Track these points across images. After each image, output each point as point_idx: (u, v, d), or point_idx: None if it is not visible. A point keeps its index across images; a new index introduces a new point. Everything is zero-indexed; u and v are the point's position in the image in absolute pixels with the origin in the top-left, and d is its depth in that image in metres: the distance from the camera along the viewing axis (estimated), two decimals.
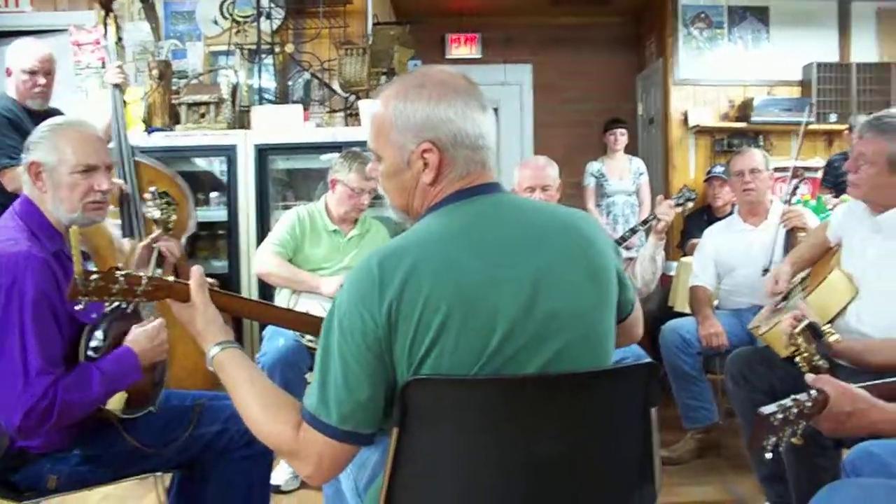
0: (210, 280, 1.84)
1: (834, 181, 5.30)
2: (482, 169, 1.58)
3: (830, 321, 2.71)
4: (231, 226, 4.58)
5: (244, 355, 1.68)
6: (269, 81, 5.16)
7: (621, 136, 6.31)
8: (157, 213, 2.86)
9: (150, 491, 3.25)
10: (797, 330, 2.47)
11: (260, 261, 3.81)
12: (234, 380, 1.62)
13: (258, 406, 1.55)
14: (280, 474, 3.54)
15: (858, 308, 2.70)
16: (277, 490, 3.53)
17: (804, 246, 3.18)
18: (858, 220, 2.82)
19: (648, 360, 1.57)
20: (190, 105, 4.63)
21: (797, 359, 2.48)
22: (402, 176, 1.59)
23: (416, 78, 1.59)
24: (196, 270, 1.78)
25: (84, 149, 2.24)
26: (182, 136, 4.56)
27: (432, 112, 1.53)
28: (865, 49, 6.98)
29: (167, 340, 2.29)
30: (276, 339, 3.52)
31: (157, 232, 2.85)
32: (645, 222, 3.90)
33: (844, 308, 2.74)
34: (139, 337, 2.22)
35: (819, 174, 5.88)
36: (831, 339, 2.48)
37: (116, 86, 3.95)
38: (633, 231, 4.10)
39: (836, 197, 4.72)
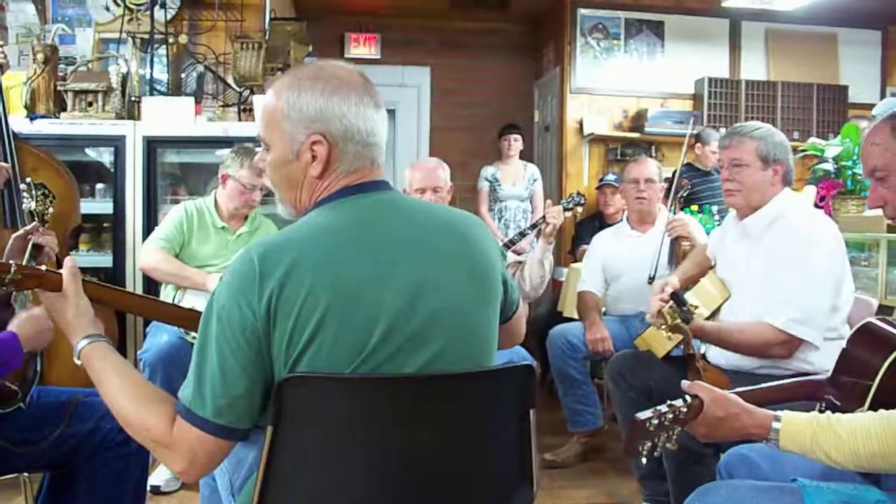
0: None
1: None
2: (371, 166, 1.57)
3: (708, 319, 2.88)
4: (117, 219, 4.42)
5: (114, 350, 1.62)
6: (161, 73, 5.02)
7: (515, 142, 6.36)
8: (32, 205, 2.74)
9: (19, 494, 3.12)
10: (664, 297, 2.75)
11: (145, 256, 3.71)
12: (101, 373, 1.56)
13: (128, 399, 1.50)
14: (160, 475, 3.46)
15: (732, 305, 2.86)
16: (157, 491, 3.45)
17: (689, 263, 3.31)
18: (727, 231, 3.02)
19: (528, 362, 1.57)
20: (77, 92, 4.46)
21: (662, 329, 2.76)
22: (289, 167, 1.57)
23: (312, 70, 1.58)
24: (69, 261, 1.72)
25: None
26: (68, 125, 4.39)
27: (325, 105, 1.51)
28: (754, 66, 7.24)
29: (51, 329, 2.16)
30: (160, 336, 3.44)
31: (31, 224, 2.74)
32: (534, 226, 3.95)
33: (718, 310, 2.90)
34: (24, 323, 2.08)
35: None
36: (692, 306, 2.73)
37: None
38: (523, 234, 4.14)
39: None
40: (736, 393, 1.80)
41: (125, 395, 1.51)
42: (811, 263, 2.62)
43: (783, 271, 2.66)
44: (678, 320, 2.70)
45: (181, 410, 1.43)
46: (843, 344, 1.97)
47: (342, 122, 1.52)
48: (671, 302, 2.75)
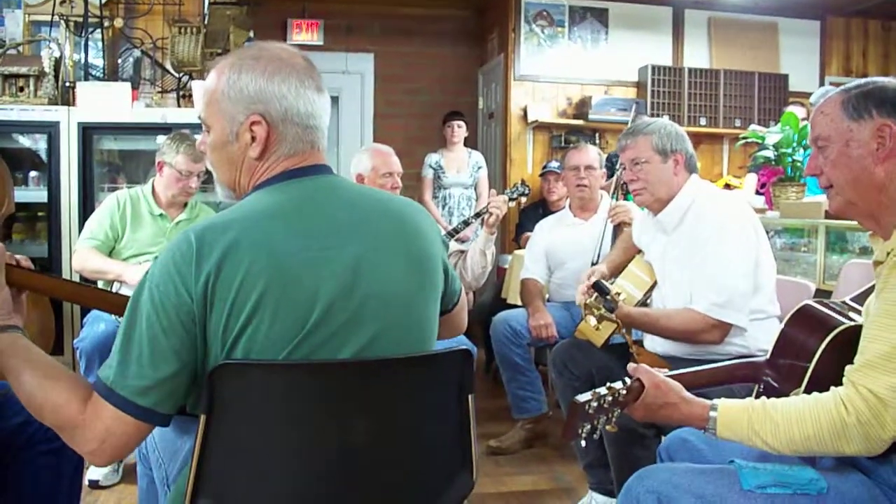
0: (20, 258, 1.72)
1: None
2: (311, 149, 1.56)
3: (639, 304, 2.95)
4: (52, 208, 4.33)
5: (28, 341, 1.54)
6: (96, 58, 4.90)
7: (459, 129, 6.34)
8: None
9: None
10: (587, 288, 2.81)
11: (75, 258, 3.67)
12: (13, 360, 1.48)
13: (36, 383, 1.43)
14: (99, 469, 3.39)
15: (662, 294, 2.89)
16: (96, 485, 3.39)
17: (617, 251, 3.34)
18: (646, 226, 3.05)
19: (464, 346, 1.56)
20: (7, 77, 4.35)
21: (590, 319, 2.80)
22: (229, 148, 1.55)
23: (253, 51, 1.56)
24: None
25: None
26: None
27: (265, 86, 1.50)
28: (697, 55, 7.31)
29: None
30: (97, 324, 3.38)
31: None
32: (478, 215, 3.95)
33: (649, 292, 2.95)
34: None
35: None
36: (616, 294, 2.77)
37: None
38: (466, 223, 4.13)
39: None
40: (676, 375, 1.81)
41: (32, 380, 1.44)
42: (725, 246, 2.65)
43: (700, 257, 2.69)
44: (602, 310, 2.74)
45: (100, 388, 1.38)
46: (774, 323, 1.99)
47: (282, 103, 1.50)
48: (595, 294, 2.78)
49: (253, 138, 1.52)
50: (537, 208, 5.81)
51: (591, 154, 4.16)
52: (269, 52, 1.54)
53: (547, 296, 4.20)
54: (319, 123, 1.56)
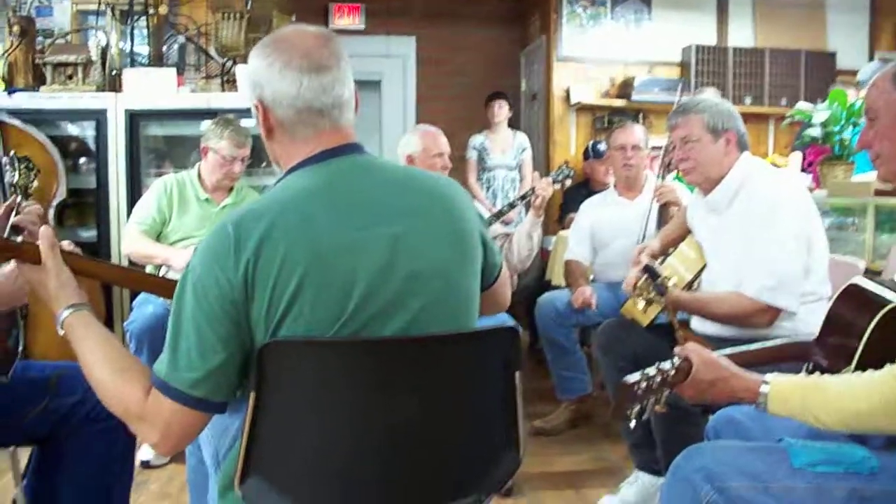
0: (65, 243, 1.76)
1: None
2: (332, 130, 1.55)
3: (689, 285, 2.92)
4: (100, 193, 4.40)
5: (96, 320, 1.60)
6: (141, 45, 4.94)
7: (500, 108, 6.31)
8: (15, 178, 2.71)
9: (8, 470, 3.11)
10: (639, 271, 2.81)
11: (125, 242, 3.76)
12: (82, 342, 1.55)
13: (105, 369, 1.49)
14: (149, 449, 3.45)
15: (710, 276, 2.86)
16: (147, 465, 3.45)
17: (671, 226, 3.29)
18: (697, 206, 3.00)
19: (511, 324, 1.56)
20: (56, 65, 4.40)
21: (639, 302, 2.82)
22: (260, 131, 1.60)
23: (274, 34, 1.59)
24: (45, 230, 1.69)
25: None
26: (48, 99, 4.34)
27: (258, 70, 1.53)
28: (742, 34, 7.17)
29: (26, 284, 2.09)
30: (146, 307, 3.43)
31: (14, 197, 2.70)
32: (523, 197, 3.93)
33: (699, 274, 2.91)
34: None
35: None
36: (666, 278, 2.75)
37: None
38: (511, 206, 4.12)
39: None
40: (723, 355, 1.80)
41: (103, 365, 1.50)
42: (778, 228, 2.59)
43: (752, 239, 2.64)
44: (652, 294, 2.74)
45: (156, 382, 1.42)
46: (825, 305, 1.97)
47: (269, 87, 1.52)
48: (645, 275, 2.76)
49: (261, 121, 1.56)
50: (581, 189, 5.77)
51: (637, 133, 4.13)
52: (280, 35, 1.56)
53: (591, 276, 4.19)
54: (322, 104, 1.52)
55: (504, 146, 6.31)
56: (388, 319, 1.43)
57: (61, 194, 4.10)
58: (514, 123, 6.62)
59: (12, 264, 1.94)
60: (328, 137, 1.54)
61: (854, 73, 6.33)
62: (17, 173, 2.72)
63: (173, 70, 4.59)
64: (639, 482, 3.04)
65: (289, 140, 1.55)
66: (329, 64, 1.52)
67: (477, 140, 6.34)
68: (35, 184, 2.78)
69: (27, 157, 2.80)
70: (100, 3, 4.81)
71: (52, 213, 4.04)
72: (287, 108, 1.52)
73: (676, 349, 1.77)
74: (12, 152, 2.79)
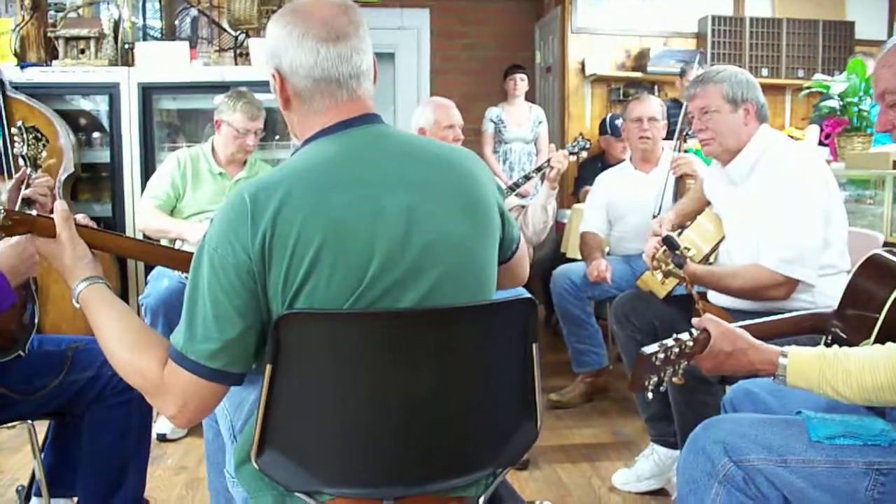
0: (79, 217, 1.76)
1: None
2: (349, 100, 1.53)
3: (706, 258, 2.91)
4: (114, 168, 4.40)
5: (111, 293, 1.60)
6: (154, 19, 4.93)
7: (521, 82, 6.27)
8: (24, 150, 2.69)
9: (26, 443, 3.14)
10: (658, 242, 2.77)
11: (139, 216, 3.79)
12: (98, 315, 1.55)
13: (122, 341, 1.49)
14: (166, 423, 3.47)
15: (728, 248, 2.85)
16: (164, 439, 3.47)
17: (687, 199, 3.26)
18: (715, 177, 2.97)
19: (528, 295, 1.55)
20: (68, 39, 4.39)
21: (657, 273, 2.79)
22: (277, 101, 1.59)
23: (292, 4, 1.56)
24: (60, 204, 1.69)
25: None
26: (60, 73, 4.33)
27: (276, 38, 1.52)
28: (759, 4, 7.09)
29: (36, 254, 1.96)
30: (161, 281, 3.45)
31: (23, 170, 2.69)
32: (539, 169, 3.92)
33: (716, 247, 2.90)
34: (4, 253, 1.93)
35: None
36: (685, 249, 2.70)
37: None
38: (527, 178, 4.11)
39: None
40: (741, 326, 1.78)
41: (119, 338, 1.50)
42: (797, 200, 2.57)
43: (770, 211, 2.61)
44: (671, 265, 2.70)
45: (173, 354, 1.42)
46: (844, 278, 1.95)
47: (286, 55, 1.50)
48: (664, 247, 2.73)
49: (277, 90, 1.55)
50: (596, 162, 5.75)
51: (653, 105, 4.10)
52: (300, 4, 1.54)
53: (607, 249, 4.17)
54: (339, 74, 1.50)
55: (520, 119, 6.27)
56: (404, 290, 1.42)
57: (67, 168, 4.09)
58: (529, 96, 6.58)
59: (15, 238, 1.93)
60: (346, 108, 1.53)
61: (872, 42, 6.26)
62: (25, 145, 2.70)
63: (186, 43, 4.58)
64: (654, 455, 3.03)
65: (306, 110, 1.54)
66: (347, 32, 1.50)
67: (493, 112, 6.30)
68: (44, 154, 2.76)
69: (35, 127, 2.77)
70: None
71: (58, 186, 4.05)
72: (304, 77, 1.50)
73: (694, 320, 1.75)
74: (20, 122, 2.76)
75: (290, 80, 1.52)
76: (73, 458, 2.32)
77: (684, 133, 3.87)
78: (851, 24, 7.01)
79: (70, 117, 4.40)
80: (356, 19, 1.53)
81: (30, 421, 2.35)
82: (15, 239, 1.92)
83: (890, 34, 6.95)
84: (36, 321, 2.35)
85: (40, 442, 2.42)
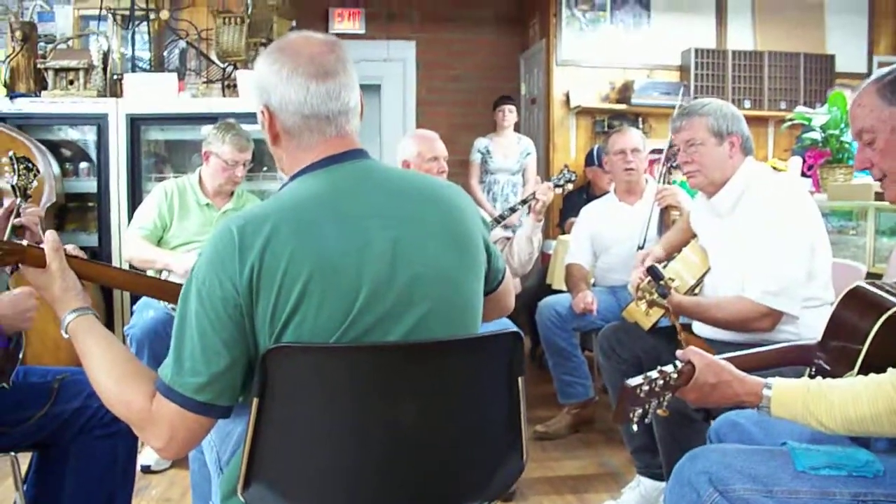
0: (69, 247, 1.77)
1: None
2: (337, 136, 1.55)
3: (691, 290, 2.91)
4: (101, 198, 4.40)
5: (100, 324, 1.61)
6: (143, 50, 4.95)
7: (510, 113, 6.30)
8: (14, 180, 2.69)
9: (9, 475, 3.11)
10: (642, 273, 2.82)
11: (126, 247, 3.80)
12: (87, 346, 1.55)
13: (110, 373, 1.49)
14: (150, 454, 3.45)
15: (714, 280, 2.86)
16: (148, 470, 3.44)
17: (674, 231, 3.29)
18: (701, 209, 3.00)
19: (514, 329, 1.56)
20: (57, 70, 4.41)
21: (641, 304, 2.82)
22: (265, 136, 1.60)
23: (280, 40, 1.60)
24: (51, 234, 1.70)
25: None
26: (49, 103, 4.35)
27: (265, 75, 1.54)
28: (741, 37, 7.16)
29: (33, 310, 2.08)
30: (146, 311, 3.44)
31: (13, 200, 2.69)
32: (524, 202, 3.93)
33: (702, 279, 2.91)
34: (4, 304, 2.02)
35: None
36: (669, 280, 2.76)
37: None
38: (513, 210, 4.12)
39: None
40: (725, 358, 1.79)
41: (108, 369, 1.50)
42: (781, 233, 2.59)
43: (755, 243, 2.63)
44: (655, 296, 2.73)
45: (160, 387, 1.42)
46: (828, 310, 1.97)
47: (275, 92, 1.52)
48: (648, 277, 2.75)
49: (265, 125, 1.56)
50: (581, 193, 5.78)
51: (635, 137, 4.15)
52: (285, 41, 1.57)
53: (592, 280, 4.19)
54: (328, 111, 1.53)
55: (507, 151, 6.29)
56: (391, 324, 1.43)
57: (50, 199, 4.09)
58: (514, 127, 6.62)
59: (19, 289, 1.97)
60: (334, 143, 1.55)
61: (852, 75, 6.33)
62: (16, 175, 2.70)
63: (174, 75, 4.61)
64: (640, 487, 3.04)
65: (294, 146, 1.56)
66: (336, 69, 1.53)
67: (482, 143, 6.32)
68: (34, 184, 2.76)
69: (26, 158, 2.78)
70: (101, 9, 4.83)
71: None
72: (293, 114, 1.52)
73: (679, 352, 1.76)
74: (11, 152, 2.76)
75: (280, 117, 1.53)
76: (57, 490, 2.29)
77: (669, 165, 3.90)
78: (832, 58, 7.08)
79: (58, 147, 4.41)
80: (343, 56, 1.56)
81: (13, 453, 2.34)
82: (18, 291, 1.96)
83: (869, 67, 7.04)
84: (21, 353, 2.34)
85: (23, 473, 2.40)
